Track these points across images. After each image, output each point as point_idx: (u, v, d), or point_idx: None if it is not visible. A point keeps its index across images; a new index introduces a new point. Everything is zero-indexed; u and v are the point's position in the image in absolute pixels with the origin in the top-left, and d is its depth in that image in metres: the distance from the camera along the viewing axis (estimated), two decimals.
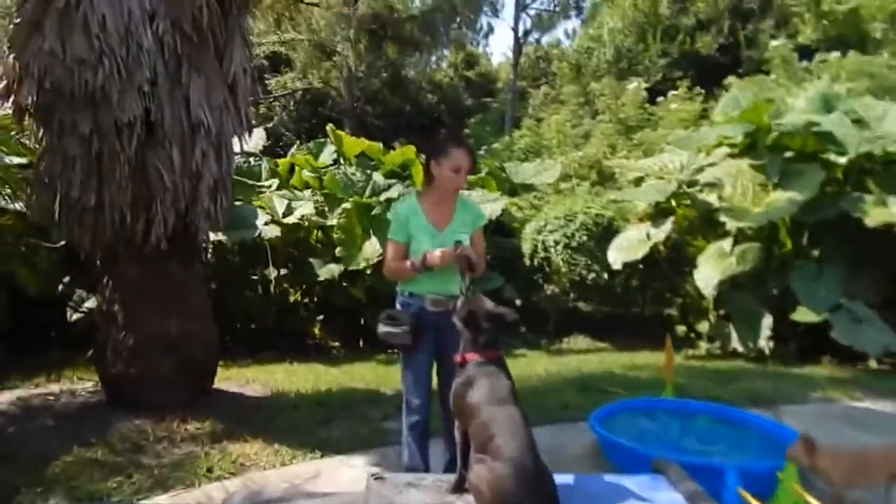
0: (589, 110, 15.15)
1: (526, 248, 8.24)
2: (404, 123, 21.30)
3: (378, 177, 7.48)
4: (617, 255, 7.14)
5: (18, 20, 3.79)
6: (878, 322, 5.81)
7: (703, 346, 7.35)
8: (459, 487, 2.38)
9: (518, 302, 8.48)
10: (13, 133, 4.74)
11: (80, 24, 3.57)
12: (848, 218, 6.19)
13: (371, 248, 6.89)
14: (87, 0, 3.53)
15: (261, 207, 7.14)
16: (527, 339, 8.11)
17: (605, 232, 7.78)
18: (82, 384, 5.34)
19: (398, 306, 2.95)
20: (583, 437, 4.02)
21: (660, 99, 12.22)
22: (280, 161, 8.63)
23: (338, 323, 7.99)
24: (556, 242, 7.72)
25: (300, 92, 21.75)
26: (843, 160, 6.57)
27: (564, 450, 3.82)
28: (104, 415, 4.31)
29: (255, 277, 8.03)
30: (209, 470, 3.37)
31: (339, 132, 8.39)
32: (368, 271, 7.20)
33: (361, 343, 7.84)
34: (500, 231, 8.90)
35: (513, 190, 9.79)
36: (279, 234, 6.99)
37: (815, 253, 6.74)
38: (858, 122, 6.42)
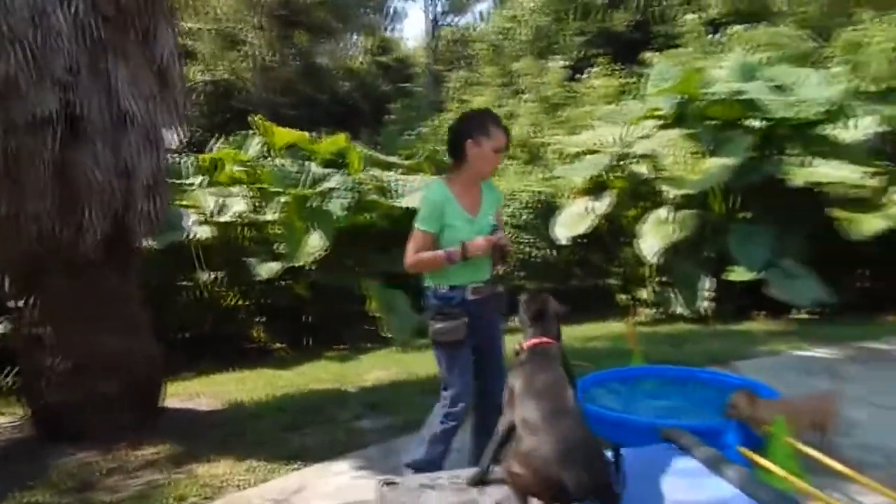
0: (510, 91, 15.21)
1: None
2: (322, 113, 20.62)
3: (314, 167, 7.14)
4: (563, 231, 7.21)
5: None
6: (808, 276, 6.18)
7: (645, 312, 7.59)
8: (480, 481, 2.24)
9: None
10: None
11: None
12: (773, 180, 6.53)
13: (315, 241, 6.57)
14: None
15: (189, 207, 6.63)
16: None
17: (546, 209, 7.83)
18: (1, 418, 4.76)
19: (434, 300, 2.70)
20: None
21: (580, 76, 12.43)
22: (203, 157, 8.06)
23: (280, 323, 7.62)
24: None
25: (208, 84, 20.56)
26: (761, 125, 6.93)
27: None
28: (37, 452, 3.84)
29: (184, 283, 7.51)
30: (181, 498, 3.05)
31: (267, 123, 7.93)
32: (312, 267, 6.89)
33: (308, 342, 7.53)
34: None
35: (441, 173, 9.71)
36: (213, 234, 6.53)
37: (746, 216, 7.08)
38: (778, 89, 6.77)
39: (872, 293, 7.07)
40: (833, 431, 3.08)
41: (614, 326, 6.98)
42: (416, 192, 7.52)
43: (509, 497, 2.07)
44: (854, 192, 6.13)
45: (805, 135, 6.90)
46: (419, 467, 2.66)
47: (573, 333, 6.69)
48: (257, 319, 7.56)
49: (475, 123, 2.67)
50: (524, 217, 7.68)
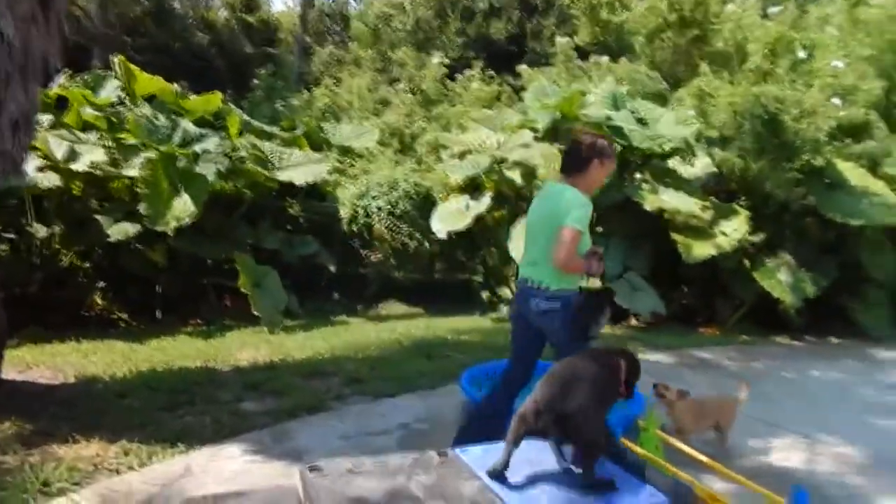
0: (386, 77, 15.17)
1: (344, 213, 8.04)
2: (175, 64, 18.75)
3: (188, 124, 6.52)
4: (442, 225, 7.40)
5: None
6: (649, 289, 7.05)
7: (505, 309, 8.09)
8: None
9: (332, 268, 8.29)
10: None
11: None
12: (628, 201, 7.32)
13: (182, 206, 6.03)
14: None
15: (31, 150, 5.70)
16: (343, 304, 8.01)
17: (424, 201, 7.98)
18: None
19: (561, 300, 2.90)
20: (449, 401, 4.16)
21: (458, 76, 12.79)
22: (48, 93, 6.94)
23: (128, 292, 6.89)
24: (380, 209, 7.68)
25: None
26: (619, 151, 7.73)
27: (440, 415, 3.92)
28: None
29: (10, 236, 6.48)
30: (45, 483, 2.68)
31: (130, 65, 7.06)
32: (171, 233, 6.31)
33: (159, 314, 6.91)
34: (313, 194, 8.54)
35: (317, 150, 9.43)
36: (57, 183, 5.70)
37: (599, 229, 7.84)
38: (639, 122, 7.59)
39: (689, 308, 8.26)
40: (729, 430, 3.59)
41: (481, 321, 7.36)
42: (298, 167, 7.25)
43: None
44: (691, 220, 7.11)
45: (652, 165, 7.84)
46: None
47: (445, 325, 6.94)
48: (99, 285, 6.76)
49: (604, 148, 2.97)
50: (402, 207, 7.75)
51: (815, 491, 3.23)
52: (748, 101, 6.39)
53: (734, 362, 5.91)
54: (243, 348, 5.34)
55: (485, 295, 8.40)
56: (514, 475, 2.43)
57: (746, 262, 7.36)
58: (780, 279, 7.07)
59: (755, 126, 6.40)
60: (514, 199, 8.28)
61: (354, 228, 7.96)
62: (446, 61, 13.21)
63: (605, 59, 11.22)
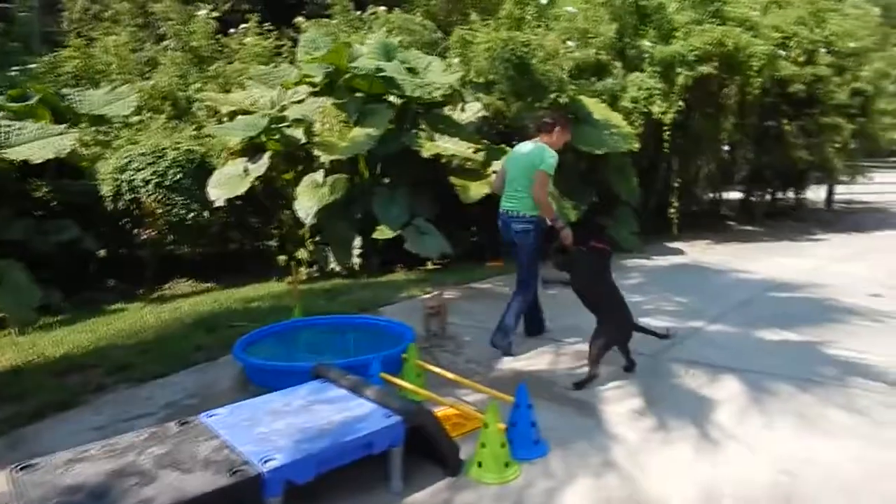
0: (150, 34, 13.62)
1: (106, 189, 7.20)
2: None
3: None
4: (219, 192, 6.98)
5: None
6: (434, 232, 7.40)
7: (304, 270, 7.97)
8: None
9: (102, 253, 7.45)
10: None
11: None
12: (408, 150, 7.54)
13: None
14: None
15: None
16: (120, 291, 7.26)
17: (198, 169, 7.43)
18: None
19: (542, 225, 4.30)
20: (226, 371, 4.05)
21: (232, 31, 11.92)
22: None
23: None
24: (147, 181, 7.00)
25: None
26: (397, 101, 7.89)
27: (213, 387, 3.80)
28: None
29: None
30: None
31: None
32: None
33: None
34: (66, 171, 7.52)
35: (68, 122, 8.26)
36: None
37: (386, 180, 8.01)
38: (410, 71, 7.76)
39: (479, 245, 8.87)
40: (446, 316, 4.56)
41: (275, 286, 7.18)
42: (33, 142, 6.30)
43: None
44: (466, 163, 7.55)
45: (431, 113, 8.12)
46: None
47: (235, 296, 6.65)
48: None
49: (567, 119, 4.60)
50: (172, 176, 7.13)
51: (551, 384, 3.74)
52: (499, 47, 6.84)
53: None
54: None
55: (281, 259, 8.17)
56: (256, 426, 2.46)
57: None
58: None
59: (508, 70, 6.89)
60: (300, 158, 8.08)
61: (120, 206, 7.17)
62: (215, 14, 12.20)
63: (382, 9, 11.21)
